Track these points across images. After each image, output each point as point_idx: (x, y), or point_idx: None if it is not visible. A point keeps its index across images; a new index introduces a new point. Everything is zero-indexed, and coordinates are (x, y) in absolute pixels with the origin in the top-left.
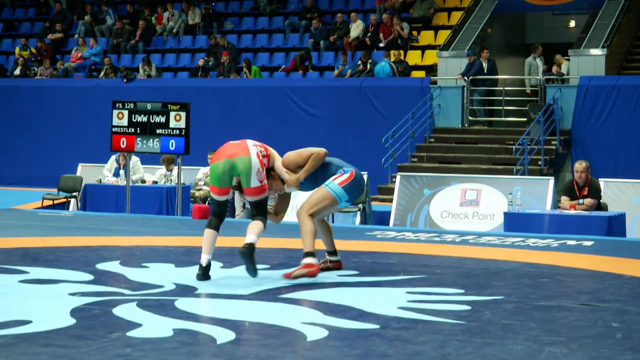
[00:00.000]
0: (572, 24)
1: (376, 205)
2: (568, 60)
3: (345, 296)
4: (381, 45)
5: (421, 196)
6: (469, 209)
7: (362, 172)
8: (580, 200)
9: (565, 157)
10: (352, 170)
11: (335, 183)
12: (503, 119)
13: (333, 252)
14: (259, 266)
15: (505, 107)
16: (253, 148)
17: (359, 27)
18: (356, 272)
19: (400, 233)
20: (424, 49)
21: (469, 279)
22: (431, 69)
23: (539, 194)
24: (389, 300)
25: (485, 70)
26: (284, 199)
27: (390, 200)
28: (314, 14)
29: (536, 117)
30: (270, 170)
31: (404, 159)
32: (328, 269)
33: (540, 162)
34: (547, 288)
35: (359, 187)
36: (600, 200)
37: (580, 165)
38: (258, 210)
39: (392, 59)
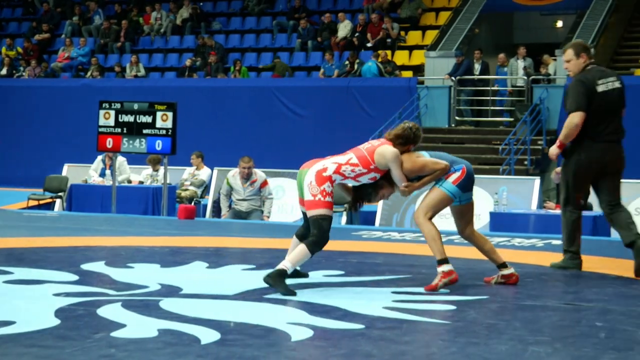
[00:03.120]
0: (560, 24)
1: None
2: (555, 60)
3: (330, 296)
4: (369, 45)
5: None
6: None
7: None
8: None
9: None
10: (464, 166)
11: (449, 182)
12: (490, 119)
13: (503, 265)
14: (245, 266)
15: (492, 108)
16: (328, 163)
17: (346, 27)
18: (342, 272)
19: (387, 233)
20: (411, 49)
21: None
22: (418, 69)
23: (525, 194)
24: (374, 300)
25: (477, 72)
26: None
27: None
28: (302, 14)
29: (522, 117)
30: (382, 179)
31: None
32: (503, 283)
33: (526, 162)
34: (531, 288)
35: (471, 182)
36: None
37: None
38: (312, 229)
39: (380, 59)
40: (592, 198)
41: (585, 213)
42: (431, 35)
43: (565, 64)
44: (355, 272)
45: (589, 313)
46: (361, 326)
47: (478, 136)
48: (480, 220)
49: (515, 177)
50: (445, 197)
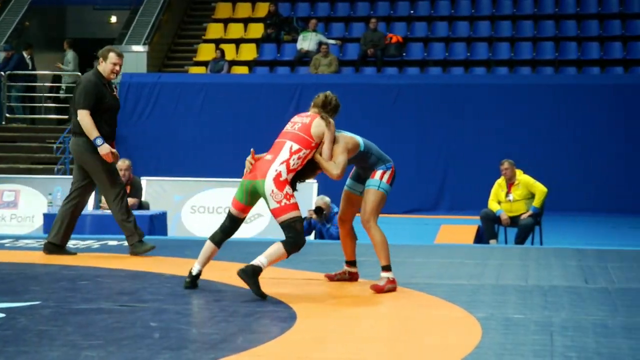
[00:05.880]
0: (114, 19)
1: None
2: None
3: None
4: None
5: None
6: (6, 211)
7: None
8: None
9: None
10: (392, 165)
11: (384, 182)
12: (44, 116)
13: (353, 263)
14: None
15: (45, 104)
16: (278, 167)
17: None
18: None
19: None
20: None
21: (5, 285)
22: None
23: None
24: None
25: (30, 66)
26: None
27: None
28: None
29: None
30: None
31: None
32: (345, 280)
33: None
34: (86, 291)
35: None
36: (142, 199)
37: (123, 164)
38: (286, 233)
39: None
40: (147, 196)
41: (141, 212)
42: None
43: (119, 67)
44: None
45: (144, 313)
46: None
47: (31, 134)
48: (34, 222)
49: (69, 177)
50: (384, 197)
